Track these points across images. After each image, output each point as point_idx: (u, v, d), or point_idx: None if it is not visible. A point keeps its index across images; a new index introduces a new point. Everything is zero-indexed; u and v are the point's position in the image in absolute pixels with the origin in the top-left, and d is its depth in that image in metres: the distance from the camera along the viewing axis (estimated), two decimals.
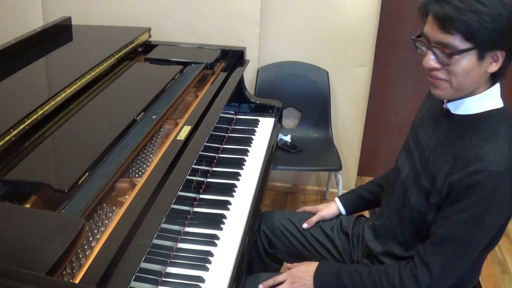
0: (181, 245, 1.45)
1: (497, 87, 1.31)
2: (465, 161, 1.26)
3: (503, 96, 1.34)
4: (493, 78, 1.29)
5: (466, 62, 1.22)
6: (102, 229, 1.25)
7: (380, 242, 1.53)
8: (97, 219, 1.28)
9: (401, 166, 1.51)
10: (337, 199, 1.79)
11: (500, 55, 1.22)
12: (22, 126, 1.40)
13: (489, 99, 1.30)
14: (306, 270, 1.48)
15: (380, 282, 1.36)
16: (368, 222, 1.63)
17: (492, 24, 1.16)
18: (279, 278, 1.51)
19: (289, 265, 1.58)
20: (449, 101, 1.34)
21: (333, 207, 1.77)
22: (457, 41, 1.20)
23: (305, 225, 1.73)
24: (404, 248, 1.46)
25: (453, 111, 1.34)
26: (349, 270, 1.42)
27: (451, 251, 1.29)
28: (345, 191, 2.98)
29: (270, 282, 1.51)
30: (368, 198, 1.75)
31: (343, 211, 1.77)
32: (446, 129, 1.37)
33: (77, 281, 1.05)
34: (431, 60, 1.25)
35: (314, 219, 1.74)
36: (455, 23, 1.17)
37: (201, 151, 1.59)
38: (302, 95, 2.81)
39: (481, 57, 1.21)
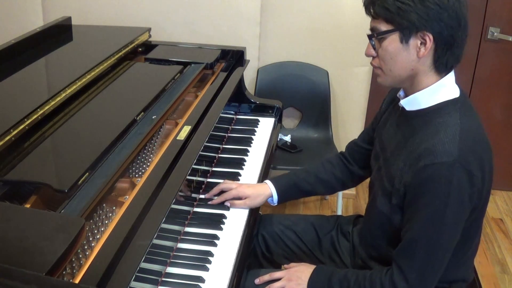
0: (181, 245, 1.44)
1: (448, 78, 1.29)
2: (415, 157, 1.25)
3: (459, 85, 1.32)
4: (439, 70, 1.27)
5: (390, 45, 1.26)
6: (102, 229, 1.25)
7: (363, 247, 1.53)
8: (97, 219, 1.28)
9: (372, 169, 1.51)
10: (270, 183, 1.65)
11: (428, 39, 1.22)
12: (22, 126, 1.40)
13: (440, 91, 1.29)
14: (304, 271, 1.48)
15: None
16: (358, 226, 1.62)
17: (409, 6, 1.19)
18: (276, 274, 1.50)
19: (285, 265, 1.57)
20: (405, 95, 1.35)
21: (262, 192, 1.64)
22: (382, 25, 1.25)
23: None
24: (378, 252, 1.46)
25: (407, 108, 1.34)
26: (339, 276, 1.41)
27: (421, 253, 1.27)
28: (345, 192, 2.99)
29: (266, 277, 1.51)
30: (305, 189, 1.68)
31: (275, 198, 1.65)
32: (403, 128, 1.36)
33: (77, 281, 1.05)
34: (369, 48, 1.31)
35: (238, 203, 1.61)
36: (373, 6, 1.25)
37: (201, 151, 1.59)
38: (302, 95, 2.81)
39: (404, 39, 1.23)
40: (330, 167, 1.70)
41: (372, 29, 1.29)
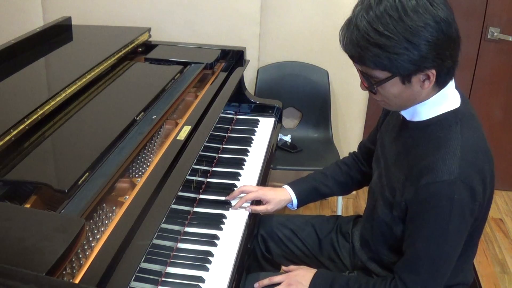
0: (181, 245, 1.44)
1: (449, 87, 1.25)
2: (417, 173, 1.23)
3: (460, 91, 1.29)
4: (441, 85, 1.23)
5: (392, 88, 1.20)
6: (102, 229, 1.25)
7: (363, 249, 1.53)
8: (97, 219, 1.28)
9: (373, 172, 1.50)
10: (289, 189, 1.65)
11: (431, 74, 1.16)
12: (22, 126, 1.40)
13: (441, 102, 1.25)
14: (304, 275, 1.46)
15: None
16: (358, 227, 1.62)
17: (403, 55, 1.12)
18: (275, 278, 1.49)
19: (285, 267, 1.57)
20: None
21: (283, 197, 1.64)
22: (377, 72, 1.18)
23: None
24: (379, 256, 1.45)
25: (407, 118, 1.31)
26: (341, 283, 1.40)
27: (424, 268, 1.27)
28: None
29: (266, 281, 1.50)
30: (324, 192, 1.68)
31: (295, 203, 1.65)
32: (404, 138, 1.34)
33: (77, 281, 1.05)
34: (364, 85, 1.24)
35: (259, 208, 1.62)
36: (364, 60, 1.17)
37: (201, 151, 1.59)
38: (302, 95, 2.81)
39: (406, 80, 1.18)
40: (346, 169, 1.69)
41: (365, 73, 1.21)
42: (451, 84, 1.27)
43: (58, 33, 2.09)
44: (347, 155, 1.76)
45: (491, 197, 1.31)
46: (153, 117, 1.62)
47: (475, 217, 1.26)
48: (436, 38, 1.12)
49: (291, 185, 1.68)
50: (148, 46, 2.19)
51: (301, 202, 1.67)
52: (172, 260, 1.38)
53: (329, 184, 1.68)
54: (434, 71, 1.16)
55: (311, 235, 1.71)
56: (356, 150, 1.74)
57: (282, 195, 1.65)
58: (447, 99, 1.26)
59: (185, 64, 2.01)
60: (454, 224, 1.21)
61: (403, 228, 1.32)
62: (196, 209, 1.60)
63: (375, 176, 1.47)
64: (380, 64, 1.15)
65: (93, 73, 1.78)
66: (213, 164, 1.83)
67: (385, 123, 1.50)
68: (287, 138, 2.80)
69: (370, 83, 1.22)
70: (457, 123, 1.24)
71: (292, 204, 1.67)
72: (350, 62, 2.84)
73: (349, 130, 2.91)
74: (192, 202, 1.60)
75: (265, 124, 2.15)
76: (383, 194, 1.37)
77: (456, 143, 1.21)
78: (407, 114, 1.31)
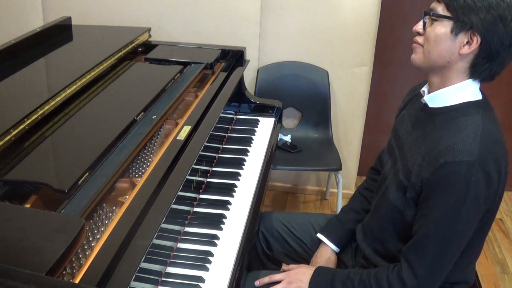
0: (181, 245, 1.44)
1: (475, 83, 1.31)
2: (435, 153, 1.26)
3: (482, 91, 1.34)
4: (471, 75, 1.30)
5: (440, 28, 1.27)
6: (102, 229, 1.25)
7: (368, 242, 1.53)
8: (97, 219, 1.28)
9: (385, 165, 1.52)
10: (325, 239, 1.65)
11: (476, 40, 1.23)
12: (22, 126, 1.40)
13: (465, 91, 1.31)
14: (304, 273, 1.48)
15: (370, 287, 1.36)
16: (363, 221, 1.62)
17: (472, 2, 1.21)
18: (275, 277, 1.51)
19: (285, 266, 1.57)
20: (429, 91, 1.36)
21: (326, 252, 1.65)
22: (441, 8, 1.28)
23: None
24: (385, 247, 1.46)
25: (430, 104, 1.36)
26: (342, 277, 1.41)
27: (432, 250, 1.28)
28: (345, 191, 3.00)
29: (266, 279, 1.51)
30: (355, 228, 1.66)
31: (336, 249, 1.65)
32: (424, 124, 1.37)
33: (77, 281, 1.05)
34: (418, 25, 1.33)
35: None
36: None
37: (201, 151, 1.59)
38: (302, 95, 2.81)
39: (455, 30, 1.25)
40: (369, 194, 1.69)
41: (430, 9, 1.31)
42: (477, 84, 1.32)
43: (58, 33, 2.09)
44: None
45: (502, 194, 1.33)
46: (153, 117, 1.62)
47: (487, 208, 1.27)
48: (505, 18, 1.20)
49: (327, 236, 1.65)
50: (148, 46, 2.19)
51: (342, 246, 1.65)
52: (172, 260, 1.38)
53: (361, 217, 1.66)
54: (479, 41, 1.23)
55: (310, 234, 1.72)
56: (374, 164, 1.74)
57: (328, 253, 1.63)
58: (471, 89, 1.31)
59: (185, 64, 2.01)
60: (468, 208, 1.23)
61: (415, 212, 1.34)
62: (196, 209, 1.60)
63: (388, 165, 1.48)
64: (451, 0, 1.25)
65: (93, 73, 1.78)
66: (213, 164, 1.83)
67: (400, 118, 1.52)
68: (287, 138, 2.80)
69: (428, 17, 1.30)
70: (479, 112, 1.29)
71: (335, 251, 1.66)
72: (350, 62, 2.85)
73: (349, 130, 2.91)
74: (192, 202, 1.60)
75: (265, 124, 2.15)
76: (397, 178, 1.39)
77: (477, 129, 1.25)
78: (430, 100, 1.35)
